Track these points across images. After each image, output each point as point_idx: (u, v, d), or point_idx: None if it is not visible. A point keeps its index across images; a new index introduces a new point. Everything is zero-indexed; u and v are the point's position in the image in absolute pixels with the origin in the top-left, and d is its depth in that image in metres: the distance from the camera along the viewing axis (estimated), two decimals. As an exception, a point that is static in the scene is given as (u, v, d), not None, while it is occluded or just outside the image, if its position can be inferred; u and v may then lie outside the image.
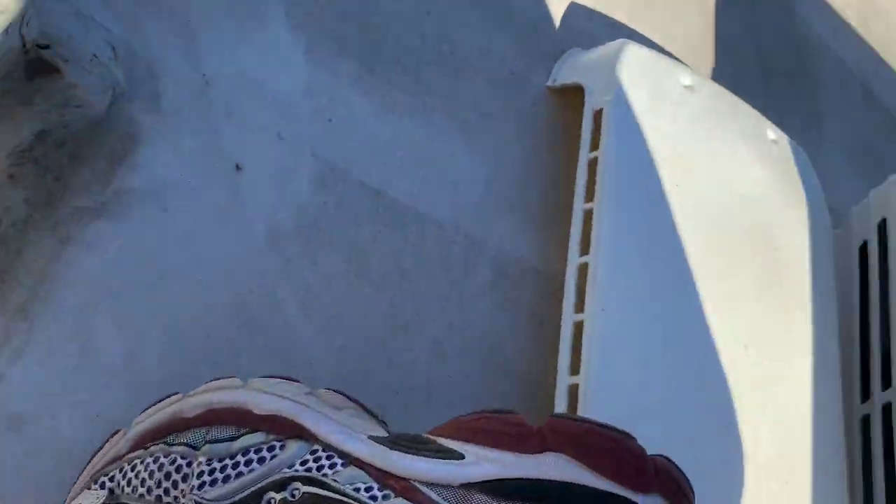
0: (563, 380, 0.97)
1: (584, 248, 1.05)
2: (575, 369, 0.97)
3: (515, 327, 1.07)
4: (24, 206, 0.78)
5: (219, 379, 0.71)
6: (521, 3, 1.31)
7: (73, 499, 0.65)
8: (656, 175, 1.10)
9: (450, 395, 0.96)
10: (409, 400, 0.93)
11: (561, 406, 0.96)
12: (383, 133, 1.06)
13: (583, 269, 1.04)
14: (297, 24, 1.04)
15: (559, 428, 0.62)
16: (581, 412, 0.94)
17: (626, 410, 0.94)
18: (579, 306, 1.01)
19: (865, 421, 1.26)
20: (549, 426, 0.63)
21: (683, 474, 0.65)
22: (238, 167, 0.92)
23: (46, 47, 0.86)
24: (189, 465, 0.62)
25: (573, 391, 0.96)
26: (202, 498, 0.59)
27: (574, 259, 1.05)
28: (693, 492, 0.66)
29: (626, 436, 0.63)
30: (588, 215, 1.08)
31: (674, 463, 0.65)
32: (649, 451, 0.63)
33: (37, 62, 0.86)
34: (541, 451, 0.60)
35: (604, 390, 0.94)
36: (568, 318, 1.01)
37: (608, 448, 0.61)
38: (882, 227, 1.39)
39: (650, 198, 1.08)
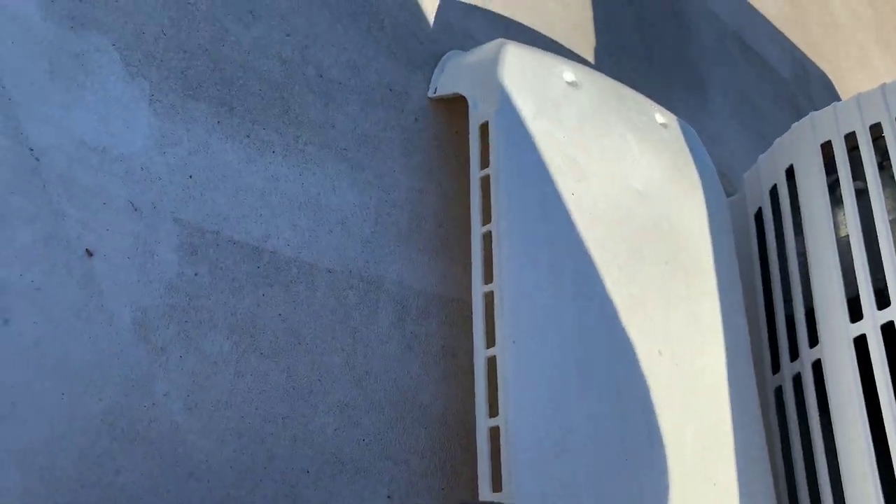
0: (483, 423, 0.93)
1: (488, 276, 1.00)
2: (493, 410, 0.93)
3: (427, 366, 1.01)
4: None
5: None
6: (388, 7, 1.22)
7: None
8: (551, 186, 1.05)
9: (363, 460, 0.90)
10: (320, 475, 0.86)
11: (483, 451, 0.92)
12: (255, 180, 0.96)
13: (489, 298, 0.99)
14: (137, 70, 0.92)
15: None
16: (504, 456, 0.90)
17: (551, 444, 0.91)
18: (490, 339, 0.97)
19: (778, 392, 1.28)
20: None
21: None
22: (89, 253, 0.81)
23: None
24: None
25: (494, 434, 0.92)
26: None
27: (478, 288, 1.00)
28: None
29: None
30: (487, 239, 1.02)
31: None
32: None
33: None
34: None
35: (525, 429, 0.90)
36: (480, 353, 0.96)
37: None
38: (774, 193, 1.41)
39: (548, 213, 1.03)
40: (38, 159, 0.82)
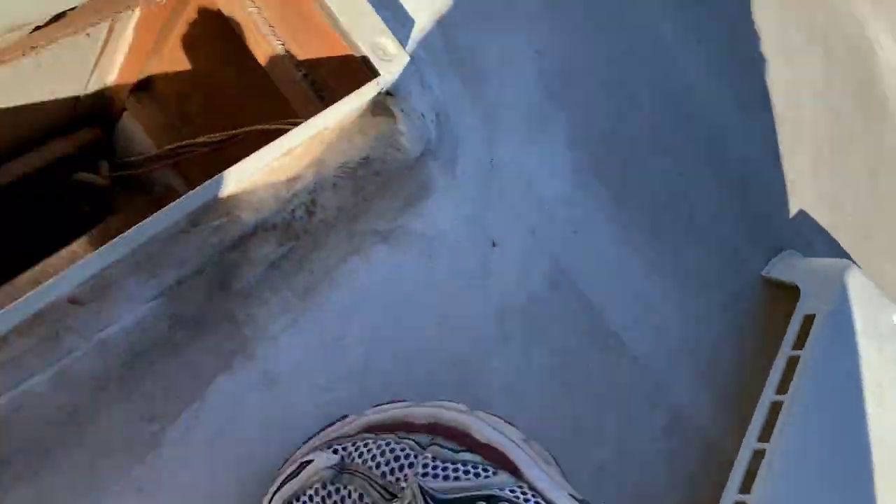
0: (712, 552, 0.98)
1: (765, 436, 1.07)
2: (727, 547, 0.98)
3: (672, 485, 1.09)
4: (336, 212, 0.92)
5: (450, 401, 0.79)
6: (758, 193, 1.40)
7: (305, 455, 0.73)
8: (854, 395, 1.11)
9: (601, 519, 0.99)
10: (565, 507, 0.97)
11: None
12: (613, 260, 1.15)
13: (758, 455, 1.06)
14: (575, 144, 1.17)
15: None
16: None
17: None
18: (745, 488, 1.03)
19: None
20: None
21: None
22: (494, 244, 1.03)
23: (391, 95, 1.03)
24: (416, 457, 0.69)
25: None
26: (425, 484, 0.66)
27: (751, 443, 1.08)
28: None
29: None
30: (775, 407, 1.10)
31: None
32: None
33: (381, 104, 1.02)
34: None
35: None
36: (730, 495, 1.03)
37: None
38: None
39: (841, 412, 1.09)
40: (492, 167, 1.08)
